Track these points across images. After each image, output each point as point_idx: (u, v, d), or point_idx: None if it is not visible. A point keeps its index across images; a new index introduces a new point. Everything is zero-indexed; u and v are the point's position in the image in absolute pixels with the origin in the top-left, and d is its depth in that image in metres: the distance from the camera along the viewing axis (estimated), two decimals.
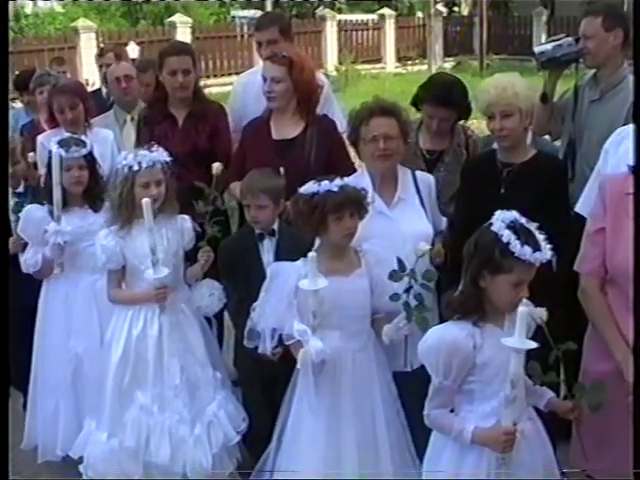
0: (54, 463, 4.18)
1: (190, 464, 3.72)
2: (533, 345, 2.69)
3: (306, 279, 3.22)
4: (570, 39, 4.33)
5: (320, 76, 5.26)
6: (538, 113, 4.36)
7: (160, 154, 3.77)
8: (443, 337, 2.87)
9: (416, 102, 4.35)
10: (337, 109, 4.96)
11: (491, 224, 2.82)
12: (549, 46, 4.36)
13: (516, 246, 2.74)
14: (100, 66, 6.65)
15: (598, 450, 3.18)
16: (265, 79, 4.29)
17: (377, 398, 3.46)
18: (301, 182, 3.57)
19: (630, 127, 3.31)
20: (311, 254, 3.20)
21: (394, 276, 3.32)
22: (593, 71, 4.39)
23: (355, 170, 4.01)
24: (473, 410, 2.90)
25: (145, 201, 3.57)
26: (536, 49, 4.46)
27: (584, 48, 4.27)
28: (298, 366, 3.29)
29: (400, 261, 3.33)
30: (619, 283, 3.16)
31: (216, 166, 4.03)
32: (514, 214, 2.83)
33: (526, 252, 2.74)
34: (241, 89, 5.14)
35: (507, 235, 2.75)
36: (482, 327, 2.85)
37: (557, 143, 4.65)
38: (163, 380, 3.73)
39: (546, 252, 2.79)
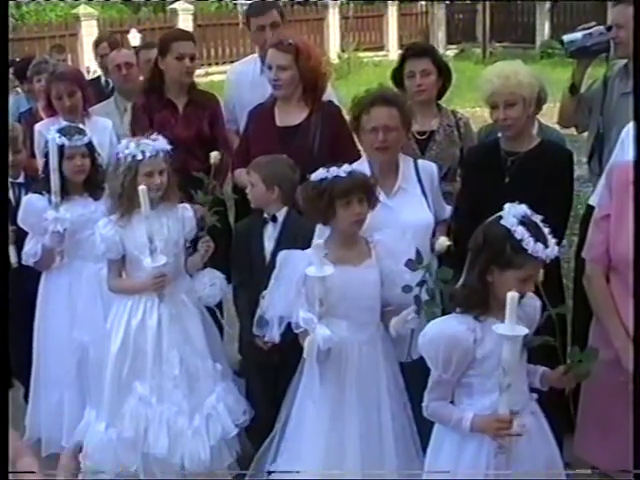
0: (55, 455, 4.13)
1: (188, 456, 3.71)
2: (524, 331, 2.67)
3: (313, 266, 3.20)
4: (601, 28, 4.20)
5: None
6: (565, 104, 4.30)
7: (162, 143, 3.75)
8: (443, 331, 2.85)
9: (395, 76, 4.34)
10: (334, 98, 4.93)
11: (500, 217, 2.78)
12: (579, 34, 4.22)
13: (529, 243, 2.71)
14: (99, 55, 6.61)
15: (602, 439, 3.18)
16: (271, 67, 4.25)
17: (383, 390, 3.44)
18: (305, 169, 3.57)
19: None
20: (318, 241, 3.19)
21: (410, 264, 3.26)
22: (623, 62, 4.27)
23: (360, 157, 3.97)
24: (473, 404, 2.88)
25: (141, 189, 3.55)
26: (565, 38, 4.32)
27: (616, 37, 4.14)
28: (304, 354, 3.28)
29: (418, 252, 3.28)
30: (621, 271, 3.16)
31: (214, 155, 4.01)
32: (524, 208, 2.79)
33: (539, 249, 2.71)
34: (235, 78, 5.11)
35: (520, 232, 2.72)
36: (483, 321, 2.82)
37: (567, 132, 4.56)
38: (162, 371, 3.71)
39: (554, 248, 2.77)
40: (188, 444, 3.71)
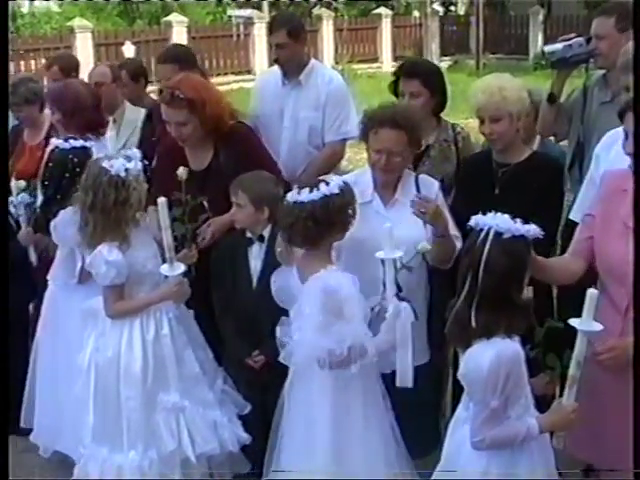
0: (50, 461, 4.14)
1: (230, 442, 3.72)
2: (600, 327, 2.72)
3: (382, 251, 3.22)
4: (581, 39, 4.23)
5: (337, 75, 5.26)
6: (544, 113, 4.33)
7: (138, 158, 3.70)
8: (502, 353, 2.73)
9: (394, 89, 4.34)
10: (352, 111, 4.86)
11: (500, 233, 2.76)
12: (559, 45, 4.26)
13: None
14: (50, 79, 6.14)
15: (583, 429, 3.17)
16: (169, 122, 4.07)
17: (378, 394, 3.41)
18: (226, 208, 3.78)
19: (620, 130, 3.26)
20: (387, 225, 3.22)
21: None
22: (602, 72, 4.31)
23: (275, 165, 4.21)
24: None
25: (161, 201, 3.56)
26: (546, 48, 4.39)
27: (596, 49, 4.19)
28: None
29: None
30: (603, 276, 3.15)
31: (180, 172, 3.84)
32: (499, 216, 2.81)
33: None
34: (260, 86, 5.21)
35: (526, 227, 2.78)
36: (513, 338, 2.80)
37: (563, 144, 4.58)
38: (184, 373, 3.72)
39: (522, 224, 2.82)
40: (226, 431, 3.73)
